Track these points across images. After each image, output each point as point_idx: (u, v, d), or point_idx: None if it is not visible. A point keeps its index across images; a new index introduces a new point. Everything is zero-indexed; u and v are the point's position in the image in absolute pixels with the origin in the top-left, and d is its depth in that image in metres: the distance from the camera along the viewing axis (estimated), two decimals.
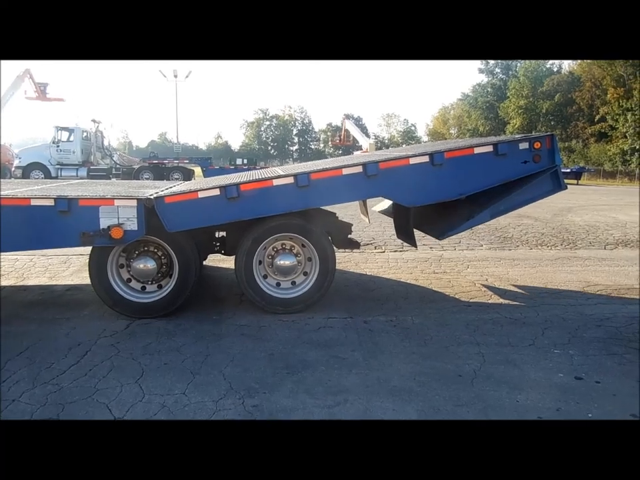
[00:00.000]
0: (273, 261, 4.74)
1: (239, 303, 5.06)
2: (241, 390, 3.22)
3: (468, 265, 7.03)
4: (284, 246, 4.81)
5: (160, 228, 4.30)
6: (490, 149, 4.64)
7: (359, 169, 4.45)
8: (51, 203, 4.15)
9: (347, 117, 46.93)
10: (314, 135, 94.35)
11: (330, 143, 66.98)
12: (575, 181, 37.01)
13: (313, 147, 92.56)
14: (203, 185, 4.95)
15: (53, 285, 5.83)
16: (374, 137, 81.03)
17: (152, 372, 3.48)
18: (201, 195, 4.34)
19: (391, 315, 4.76)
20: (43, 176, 22.06)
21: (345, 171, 4.46)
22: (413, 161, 4.53)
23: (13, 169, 23.65)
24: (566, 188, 5.02)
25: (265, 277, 4.81)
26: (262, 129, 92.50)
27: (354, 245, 5.27)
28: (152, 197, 4.26)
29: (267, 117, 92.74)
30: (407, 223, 5.17)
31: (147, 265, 4.51)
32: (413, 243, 5.15)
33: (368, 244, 8.55)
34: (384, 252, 8.02)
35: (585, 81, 52.45)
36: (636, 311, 4.98)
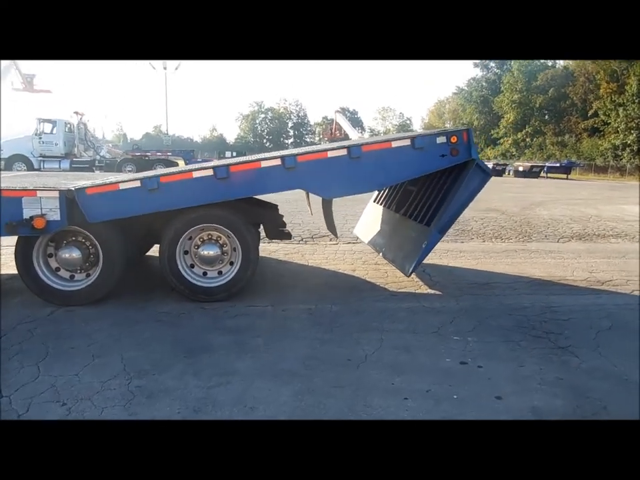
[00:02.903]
0: (198, 250, 4.89)
1: (171, 291, 5.20)
2: (132, 372, 3.37)
3: None
4: (210, 236, 4.96)
5: (84, 218, 4.44)
6: (407, 142, 4.77)
7: (277, 162, 4.58)
8: None
9: (339, 110, 46.95)
10: (309, 128, 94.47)
11: (323, 136, 66.94)
12: (565, 176, 36.93)
13: (308, 139, 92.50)
14: (127, 177, 5.08)
15: None
16: (369, 131, 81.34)
17: (56, 355, 3.63)
18: (121, 186, 4.48)
19: (311, 303, 4.90)
20: (25, 168, 22.13)
21: (264, 164, 4.60)
22: (330, 154, 4.67)
23: None
24: (492, 173, 5.15)
25: (192, 266, 4.95)
26: (257, 121, 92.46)
27: (285, 236, 5.41)
28: (73, 188, 4.40)
29: (262, 110, 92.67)
30: (329, 215, 5.32)
31: (71, 254, 4.65)
32: (335, 234, 5.31)
33: (324, 236, 8.68)
34: (337, 244, 8.17)
35: (578, 75, 52.47)
36: (555, 302, 5.14)
